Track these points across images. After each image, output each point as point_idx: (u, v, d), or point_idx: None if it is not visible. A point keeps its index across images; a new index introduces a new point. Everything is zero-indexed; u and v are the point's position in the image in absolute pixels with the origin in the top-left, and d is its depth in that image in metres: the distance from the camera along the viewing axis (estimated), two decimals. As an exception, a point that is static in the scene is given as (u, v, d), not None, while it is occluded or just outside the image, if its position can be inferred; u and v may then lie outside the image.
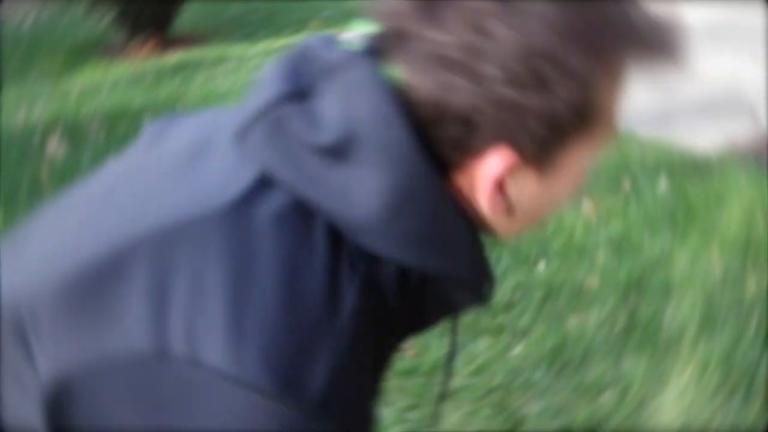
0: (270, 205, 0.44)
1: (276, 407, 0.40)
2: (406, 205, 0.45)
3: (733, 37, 4.65)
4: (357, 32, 0.49)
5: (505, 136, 0.46)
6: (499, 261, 2.45)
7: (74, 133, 3.74)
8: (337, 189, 0.44)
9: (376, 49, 0.47)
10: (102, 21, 5.48)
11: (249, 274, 0.42)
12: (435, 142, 0.46)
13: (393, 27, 0.46)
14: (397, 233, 0.45)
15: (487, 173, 0.47)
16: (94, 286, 0.45)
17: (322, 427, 0.42)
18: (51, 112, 4.14)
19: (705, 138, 3.21)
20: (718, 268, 2.28)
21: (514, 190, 0.49)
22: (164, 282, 0.43)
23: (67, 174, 3.25)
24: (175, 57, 5.27)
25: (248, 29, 6.00)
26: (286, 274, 0.43)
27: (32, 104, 4.29)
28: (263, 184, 0.45)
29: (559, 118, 0.46)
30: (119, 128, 3.76)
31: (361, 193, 0.44)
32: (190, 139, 0.52)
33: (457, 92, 0.44)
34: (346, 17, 6.22)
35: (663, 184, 2.82)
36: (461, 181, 0.49)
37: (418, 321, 0.55)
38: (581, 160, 0.52)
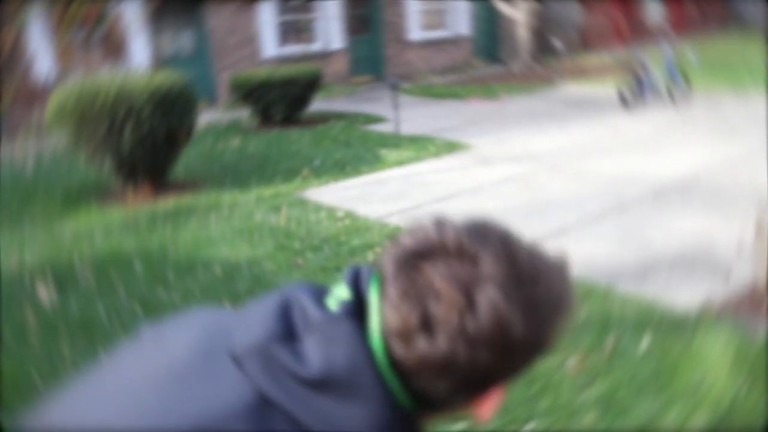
0: (274, 416, 0.59)
1: None
2: None
3: (704, 197, 4.94)
4: (337, 297, 0.64)
5: (499, 384, 0.65)
6: (486, 422, 2.42)
7: (64, 279, 3.77)
8: (322, 413, 0.58)
9: (355, 314, 0.63)
10: (100, 167, 5.70)
11: None
12: (424, 390, 0.62)
13: (401, 329, 0.61)
14: None
15: (483, 407, 0.66)
16: None
17: None
18: (43, 257, 4.19)
19: (682, 294, 3.31)
20: (706, 432, 2.28)
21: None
22: None
23: (54, 321, 3.24)
24: (168, 203, 5.44)
25: (240, 177, 6.24)
26: None
27: (25, 248, 4.34)
28: (264, 401, 0.59)
29: (520, 368, 0.64)
30: (109, 275, 3.79)
31: (345, 422, 0.58)
32: (193, 348, 0.66)
33: (461, 367, 0.60)
34: (334, 167, 6.54)
35: (645, 342, 2.87)
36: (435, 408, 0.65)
37: None
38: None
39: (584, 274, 3.62)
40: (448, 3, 14.66)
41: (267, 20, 11.92)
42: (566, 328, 0.65)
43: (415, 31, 14.13)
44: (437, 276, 0.59)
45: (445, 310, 0.58)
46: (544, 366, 2.72)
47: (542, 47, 14.89)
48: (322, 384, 0.59)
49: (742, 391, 2.48)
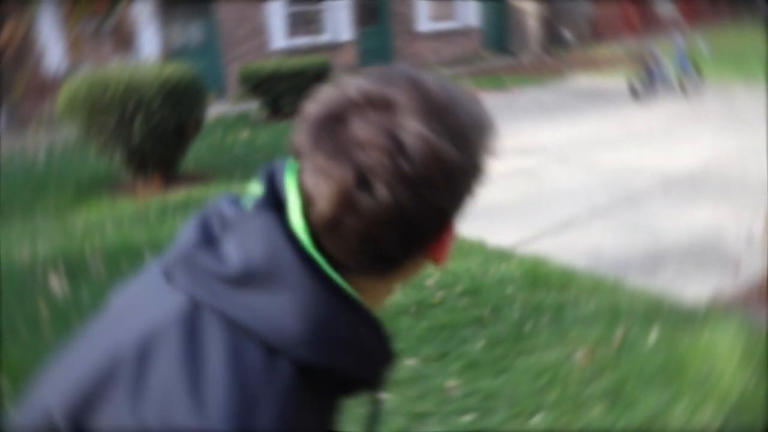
0: (205, 316, 0.59)
1: None
2: (322, 328, 0.58)
3: (714, 189, 4.91)
4: (252, 195, 0.64)
5: (449, 222, 0.63)
6: (495, 413, 2.44)
7: (76, 270, 3.81)
8: (251, 308, 0.58)
9: (269, 205, 0.62)
10: (111, 159, 5.73)
11: (201, 360, 0.57)
12: (377, 254, 0.60)
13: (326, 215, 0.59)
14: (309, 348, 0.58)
15: (438, 252, 0.64)
16: (98, 387, 0.61)
17: None
18: (54, 248, 4.23)
19: (691, 287, 3.30)
20: (714, 426, 2.28)
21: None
22: (140, 377, 0.58)
23: (67, 312, 3.27)
24: (178, 195, 5.46)
25: (250, 169, 6.26)
26: (230, 355, 0.57)
27: (37, 239, 4.38)
28: (195, 305, 0.60)
29: (464, 199, 0.64)
30: (120, 266, 3.83)
31: (279, 316, 0.58)
32: (146, 281, 0.70)
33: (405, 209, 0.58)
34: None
35: (654, 335, 2.86)
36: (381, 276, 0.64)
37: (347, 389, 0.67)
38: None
39: (593, 266, 3.62)
40: (457, -6, 14.58)
41: (276, 12, 11.91)
42: (495, 148, 0.66)
43: (424, 22, 14.07)
44: (357, 130, 0.57)
45: (376, 157, 0.56)
46: (552, 359, 2.73)
47: (552, 38, 14.80)
48: (245, 279, 0.58)
49: (750, 384, 2.48)
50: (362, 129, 0.57)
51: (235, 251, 0.60)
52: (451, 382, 2.62)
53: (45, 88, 9.00)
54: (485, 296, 3.36)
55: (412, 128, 0.57)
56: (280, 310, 0.57)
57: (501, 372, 2.69)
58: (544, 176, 5.56)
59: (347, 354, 0.60)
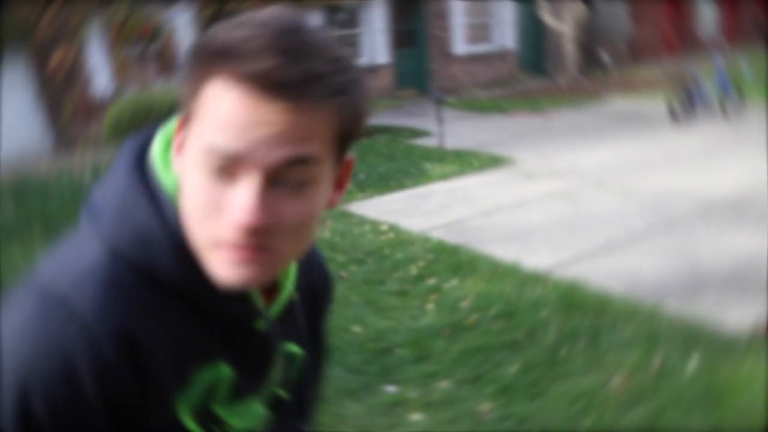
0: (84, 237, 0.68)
1: (32, 301, 0.61)
2: (125, 216, 0.66)
3: (756, 213, 4.80)
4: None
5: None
6: (529, 438, 2.42)
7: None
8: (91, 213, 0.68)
9: (132, 155, 0.70)
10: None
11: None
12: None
13: None
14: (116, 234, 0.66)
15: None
16: None
17: (66, 320, 0.59)
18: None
19: (733, 314, 3.23)
20: (756, 457, 2.22)
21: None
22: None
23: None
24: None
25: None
26: (71, 245, 0.66)
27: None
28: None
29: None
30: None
31: (101, 206, 0.68)
32: None
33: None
34: (378, 180, 6.59)
35: (693, 362, 2.81)
36: None
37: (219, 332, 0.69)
38: (195, 144, 0.66)
39: (630, 291, 3.57)
40: (493, 16, 14.66)
41: (314, 35, 12.13)
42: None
43: (460, 44, 14.16)
44: None
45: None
46: (588, 384, 2.70)
47: (589, 60, 14.72)
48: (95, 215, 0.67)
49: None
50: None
51: (95, 197, 0.70)
52: (485, 406, 2.61)
53: (92, 110, 9.32)
54: (520, 319, 3.34)
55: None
56: (103, 204, 0.68)
57: (535, 396, 2.67)
58: (580, 199, 5.52)
59: (148, 248, 0.65)
